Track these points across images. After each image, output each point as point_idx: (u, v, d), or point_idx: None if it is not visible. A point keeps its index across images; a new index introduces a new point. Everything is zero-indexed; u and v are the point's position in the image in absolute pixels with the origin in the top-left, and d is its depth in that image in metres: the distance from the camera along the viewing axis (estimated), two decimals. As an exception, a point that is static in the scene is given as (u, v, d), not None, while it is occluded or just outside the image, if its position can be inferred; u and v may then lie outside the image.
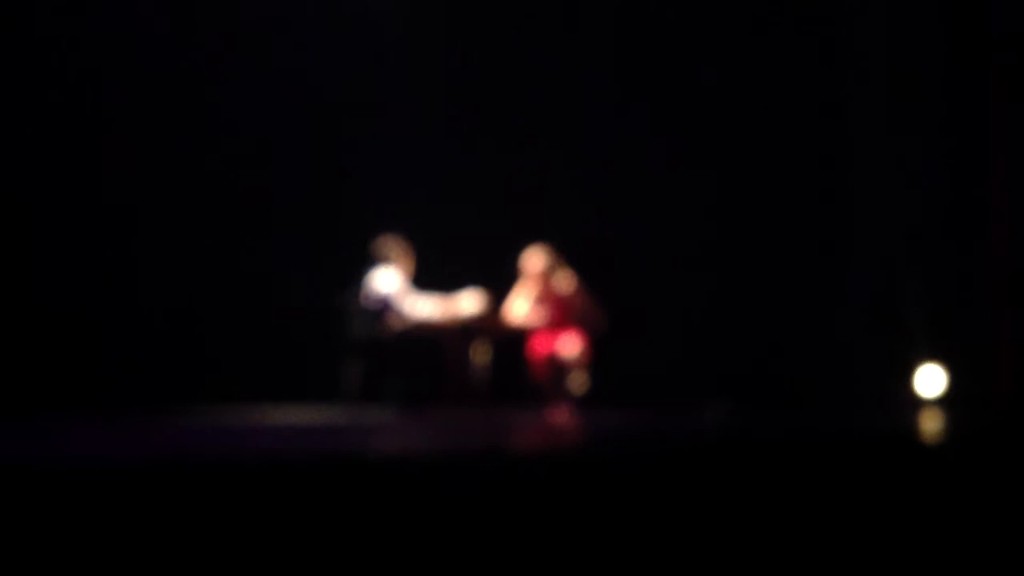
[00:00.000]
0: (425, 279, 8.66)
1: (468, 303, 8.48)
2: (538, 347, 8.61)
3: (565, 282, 8.69)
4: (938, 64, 9.04)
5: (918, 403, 8.64)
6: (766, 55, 9.52)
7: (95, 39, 8.87)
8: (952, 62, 8.93)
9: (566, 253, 8.80)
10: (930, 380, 8.77)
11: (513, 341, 8.68)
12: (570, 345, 8.52)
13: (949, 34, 8.97)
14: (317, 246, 9.25)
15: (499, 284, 8.71)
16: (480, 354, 8.53)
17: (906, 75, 9.17)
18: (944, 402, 8.62)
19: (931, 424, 6.69)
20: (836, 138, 9.57)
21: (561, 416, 8.03)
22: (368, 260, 8.52)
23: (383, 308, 8.39)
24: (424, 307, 8.46)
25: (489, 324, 8.56)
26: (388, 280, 8.43)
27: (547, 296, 8.66)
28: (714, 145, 9.57)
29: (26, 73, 8.70)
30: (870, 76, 9.38)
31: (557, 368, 8.51)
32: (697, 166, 9.57)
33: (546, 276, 8.64)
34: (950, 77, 8.99)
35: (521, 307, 8.61)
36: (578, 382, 8.50)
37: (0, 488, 3.78)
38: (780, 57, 9.53)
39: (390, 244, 8.52)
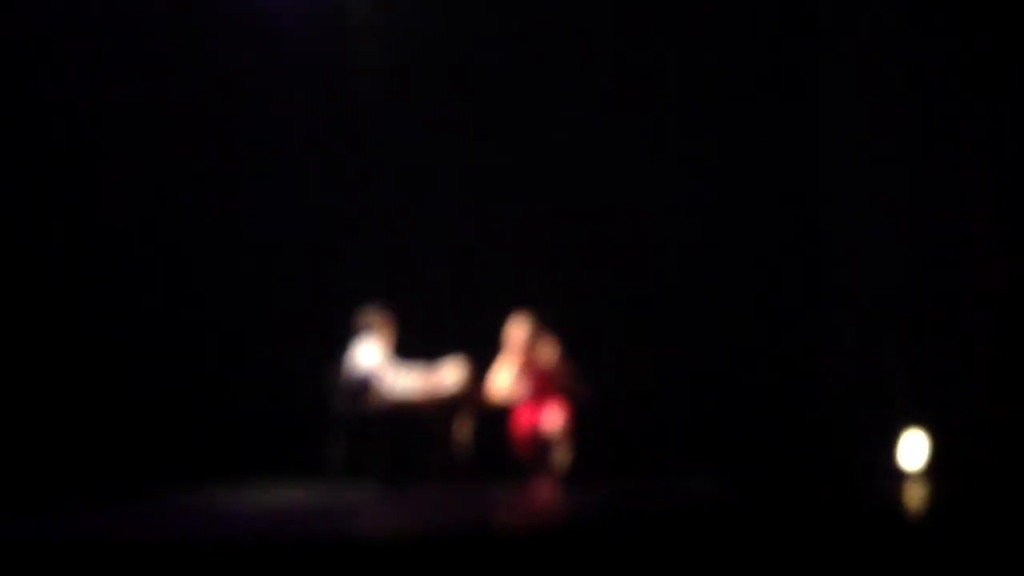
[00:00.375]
0: (408, 348, 8.63)
1: (450, 375, 8.47)
2: (521, 420, 8.59)
3: (548, 352, 8.69)
4: (918, 132, 9.11)
5: (901, 474, 8.62)
6: (741, 132, 9.61)
7: (90, 80, 8.94)
8: (932, 135, 9.02)
9: (549, 323, 8.79)
10: (913, 448, 8.75)
11: (496, 415, 8.65)
12: (553, 418, 8.50)
13: (927, 107, 9.05)
14: (299, 321, 9.22)
15: (482, 351, 8.68)
16: (463, 429, 8.50)
17: (886, 140, 9.24)
18: (927, 472, 8.60)
19: (915, 496, 6.69)
20: (816, 204, 9.60)
21: (545, 490, 8.01)
22: (350, 334, 8.51)
23: (364, 384, 8.36)
24: (405, 382, 8.44)
25: (472, 399, 8.54)
26: (369, 355, 8.41)
27: (530, 367, 8.65)
28: (693, 217, 9.61)
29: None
30: (850, 143, 9.46)
31: (541, 442, 8.47)
32: (679, 240, 9.60)
33: (529, 346, 8.63)
34: (931, 144, 9.06)
35: (504, 380, 8.60)
36: (562, 455, 8.46)
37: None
38: (756, 124, 9.60)
39: (372, 315, 8.52)
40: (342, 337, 8.53)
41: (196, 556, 4.23)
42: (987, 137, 8.79)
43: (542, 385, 8.63)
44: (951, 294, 8.92)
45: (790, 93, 9.66)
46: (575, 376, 8.67)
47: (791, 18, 9.64)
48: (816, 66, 9.63)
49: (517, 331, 8.66)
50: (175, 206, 9.19)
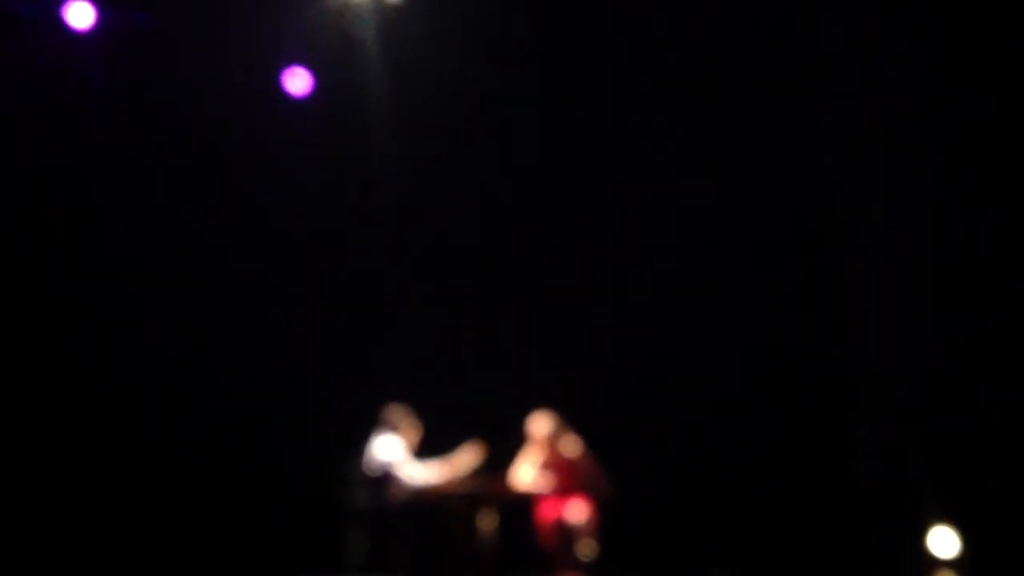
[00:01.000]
0: (432, 448, 8.55)
1: (467, 457, 8.38)
2: (546, 513, 8.48)
3: (571, 447, 8.60)
4: (945, 214, 9.11)
5: (932, 563, 8.53)
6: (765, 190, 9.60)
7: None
8: (956, 217, 9.04)
9: (570, 418, 8.72)
10: (943, 542, 8.66)
11: (520, 508, 8.53)
12: (578, 511, 8.39)
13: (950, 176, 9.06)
14: (322, 415, 9.15)
15: (505, 451, 8.60)
16: (486, 522, 8.38)
17: (910, 226, 9.26)
18: (959, 563, 8.51)
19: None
20: (840, 292, 9.61)
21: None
22: (372, 428, 8.42)
23: (385, 476, 8.27)
24: (424, 473, 8.34)
25: (495, 491, 8.43)
26: (389, 448, 8.33)
27: (553, 461, 8.57)
28: (716, 302, 9.59)
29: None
30: (871, 231, 9.47)
31: (566, 534, 8.36)
32: (701, 322, 9.58)
33: (552, 441, 8.56)
34: (954, 227, 9.08)
35: (527, 473, 8.51)
36: (587, 548, 8.35)
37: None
38: (776, 199, 9.61)
39: (396, 412, 8.44)
40: (364, 432, 8.44)
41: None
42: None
43: (566, 479, 8.54)
44: (975, 391, 8.93)
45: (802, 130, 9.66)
46: (599, 471, 8.56)
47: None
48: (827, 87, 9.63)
49: (539, 425, 8.59)
50: (202, 294, 9.16)
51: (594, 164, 9.71)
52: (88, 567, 8.20)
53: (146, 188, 9.13)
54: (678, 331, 9.58)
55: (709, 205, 9.58)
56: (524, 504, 8.54)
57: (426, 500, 8.32)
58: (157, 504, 8.73)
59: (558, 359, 9.49)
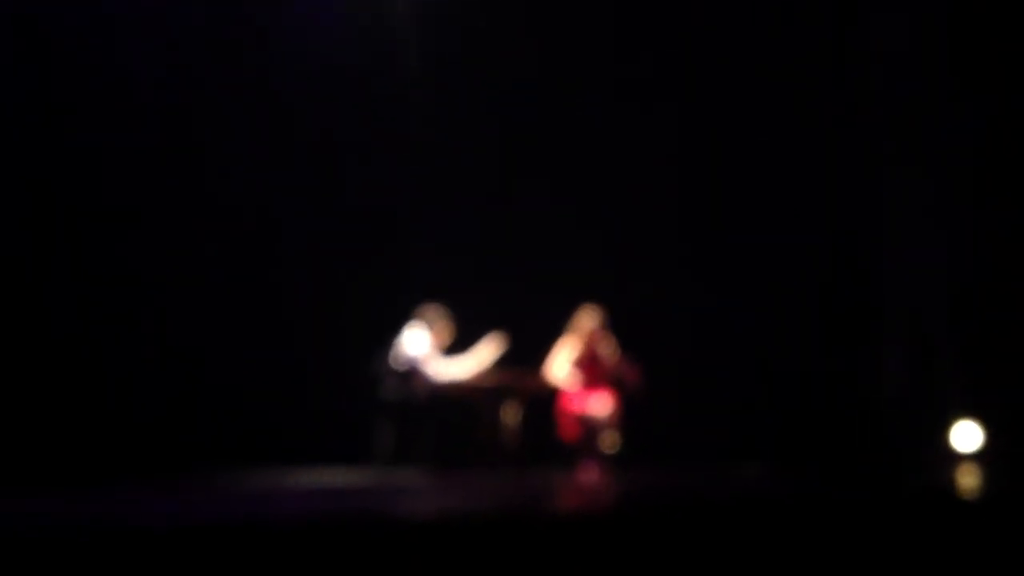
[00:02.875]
0: (465, 349, 8.68)
1: (490, 350, 8.50)
2: (570, 406, 8.57)
3: (608, 348, 8.66)
4: (971, 124, 9.04)
5: (955, 458, 8.55)
6: (800, 120, 9.55)
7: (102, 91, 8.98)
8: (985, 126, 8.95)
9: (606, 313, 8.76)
10: (966, 436, 8.68)
11: (544, 401, 8.63)
12: (602, 404, 8.47)
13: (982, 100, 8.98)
14: (352, 309, 9.26)
15: (533, 345, 8.68)
16: (510, 414, 8.51)
17: (938, 136, 9.18)
18: (981, 457, 8.53)
19: (968, 480, 6.62)
20: (869, 196, 9.55)
21: (592, 475, 7.99)
22: (403, 324, 8.54)
23: (411, 371, 8.40)
24: (450, 369, 8.46)
25: (519, 384, 8.54)
26: (417, 343, 8.44)
27: (589, 358, 8.63)
28: (750, 210, 9.57)
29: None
30: (902, 140, 9.39)
31: (589, 427, 8.45)
32: (734, 232, 9.57)
33: (592, 337, 8.62)
34: (983, 137, 9.00)
35: (562, 365, 8.57)
36: (610, 441, 8.44)
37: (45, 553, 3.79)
38: (812, 120, 9.55)
39: (430, 311, 8.55)
40: (394, 326, 8.56)
41: (244, 536, 4.24)
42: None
43: (595, 376, 8.60)
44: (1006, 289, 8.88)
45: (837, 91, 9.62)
46: (631, 369, 8.60)
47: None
48: (857, 48, 9.56)
49: (585, 320, 8.64)
50: (240, 189, 9.26)
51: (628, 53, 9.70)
52: (126, 453, 8.40)
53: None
54: (713, 237, 9.60)
55: (745, 118, 9.55)
56: (548, 397, 8.64)
57: (451, 394, 8.46)
58: (187, 393, 8.92)
59: (592, 255, 9.54)
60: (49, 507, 5.58)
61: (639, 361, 8.60)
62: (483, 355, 8.55)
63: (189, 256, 9.08)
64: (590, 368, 8.63)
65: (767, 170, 9.62)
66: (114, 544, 4.00)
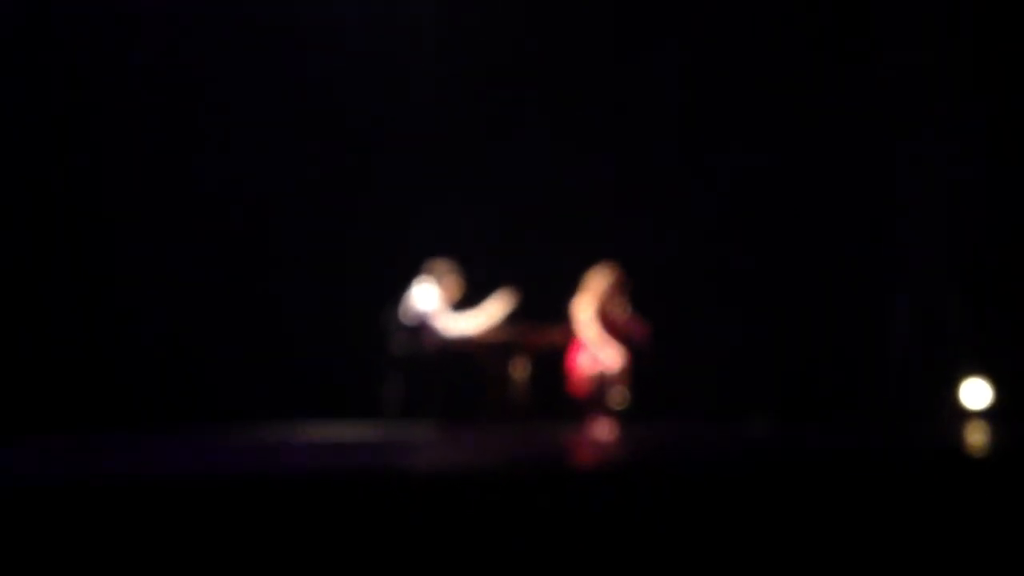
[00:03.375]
0: (474, 302, 8.68)
1: (500, 306, 8.50)
2: (580, 362, 8.57)
3: (621, 306, 8.64)
4: (982, 82, 9.00)
5: (964, 416, 8.55)
6: (811, 75, 9.49)
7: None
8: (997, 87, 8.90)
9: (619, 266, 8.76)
10: (975, 393, 8.68)
11: (553, 357, 8.64)
12: (611, 359, 8.47)
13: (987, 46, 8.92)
14: (362, 264, 9.26)
15: (542, 303, 8.69)
16: (519, 370, 8.51)
17: (949, 89, 9.14)
18: (990, 415, 8.53)
19: (977, 437, 6.62)
20: (881, 153, 9.51)
21: (602, 430, 8.00)
22: (412, 280, 8.54)
23: (420, 326, 8.40)
24: (459, 324, 8.46)
25: (528, 339, 8.55)
26: (426, 298, 8.44)
27: (602, 315, 8.62)
28: (762, 164, 9.53)
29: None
30: (913, 93, 9.35)
31: (598, 382, 8.45)
32: (746, 184, 9.53)
33: (607, 294, 8.60)
34: (992, 91, 8.96)
35: (584, 310, 8.55)
36: (619, 397, 8.45)
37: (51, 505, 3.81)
38: (824, 78, 9.49)
39: (440, 265, 8.54)
40: (403, 281, 8.55)
41: (254, 488, 4.25)
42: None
43: (607, 333, 8.59)
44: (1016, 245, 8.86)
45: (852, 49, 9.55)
46: (640, 326, 8.59)
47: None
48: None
49: (601, 277, 8.62)
50: (247, 138, 9.25)
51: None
52: (138, 406, 8.44)
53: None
54: (721, 183, 9.55)
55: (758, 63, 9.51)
56: (557, 353, 8.65)
57: (460, 349, 8.47)
58: (199, 347, 8.93)
59: (602, 207, 9.52)
60: (60, 456, 5.61)
61: (647, 318, 8.59)
62: (493, 310, 8.56)
63: (197, 206, 9.07)
64: (602, 325, 8.62)
65: (777, 124, 9.57)
66: (123, 494, 4.02)
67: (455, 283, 8.59)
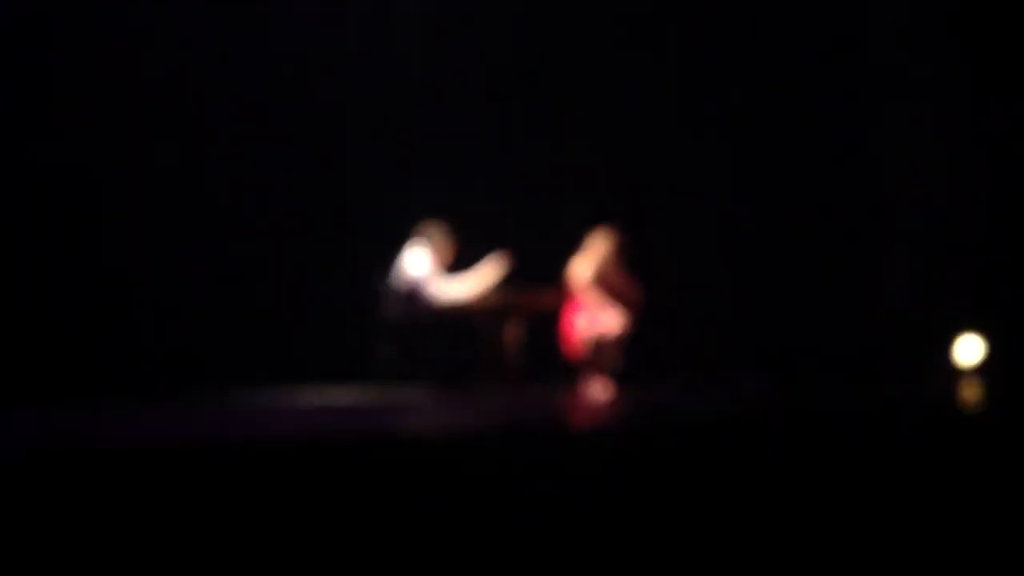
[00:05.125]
0: (467, 265, 8.67)
1: (493, 269, 8.50)
2: (575, 324, 8.56)
3: (619, 269, 8.63)
4: (970, 38, 8.99)
5: (957, 372, 8.58)
6: (798, 38, 9.48)
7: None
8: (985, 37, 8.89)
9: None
10: (969, 350, 8.70)
11: (547, 320, 8.63)
12: (606, 322, 8.47)
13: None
14: (354, 228, 9.25)
15: (537, 267, 8.69)
16: (512, 333, 8.51)
17: (938, 48, 9.13)
18: (983, 371, 8.56)
19: (970, 393, 6.64)
20: (872, 111, 9.50)
21: (597, 392, 8.01)
22: (405, 243, 8.52)
23: (413, 289, 8.39)
24: (451, 289, 8.46)
25: (521, 303, 8.54)
26: (418, 262, 8.42)
27: (600, 277, 8.60)
28: (755, 125, 9.52)
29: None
30: (901, 51, 9.34)
31: (594, 345, 8.45)
32: (738, 145, 9.52)
33: (608, 260, 8.59)
34: (981, 48, 8.94)
35: (585, 271, 8.53)
36: (614, 359, 8.45)
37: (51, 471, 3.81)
38: (811, 40, 9.48)
39: (432, 228, 8.52)
40: (395, 244, 8.55)
41: (248, 453, 4.27)
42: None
43: (603, 295, 8.59)
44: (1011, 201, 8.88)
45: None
46: (635, 289, 8.60)
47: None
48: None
49: (602, 240, 8.60)
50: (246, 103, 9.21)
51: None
52: (131, 372, 8.44)
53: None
54: (714, 146, 9.54)
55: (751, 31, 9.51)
56: (551, 316, 8.64)
57: (453, 313, 8.46)
58: (192, 312, 8.91)
59: (599, 171, 9.51)
60: (57, 423, 5.62)
61: (640, 280, 8.59)
62: (486, 274, 8.55)
63: (194, 175, 9.04)
64: (602, 287, 8.61)
65: (768, 81, 9.56)
66: (117, 460, 4.03)
67: (448, 247, 8.57)
